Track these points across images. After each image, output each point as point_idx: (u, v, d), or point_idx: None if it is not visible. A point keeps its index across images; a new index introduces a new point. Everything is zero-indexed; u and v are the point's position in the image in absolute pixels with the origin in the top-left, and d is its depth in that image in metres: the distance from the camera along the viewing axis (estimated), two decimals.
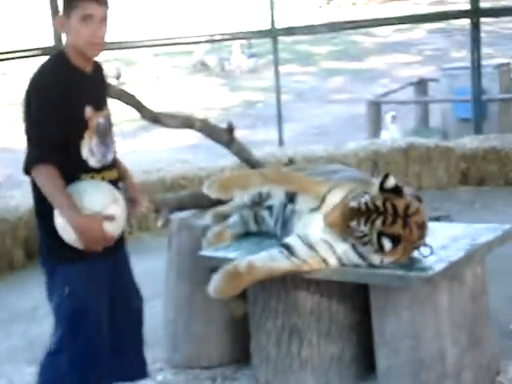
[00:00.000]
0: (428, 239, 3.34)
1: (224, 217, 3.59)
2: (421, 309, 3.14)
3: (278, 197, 3.27)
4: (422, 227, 2.97)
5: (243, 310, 3.61)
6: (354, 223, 2.94)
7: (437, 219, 5.45)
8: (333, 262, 3.12)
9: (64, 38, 2.92)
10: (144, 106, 3.96)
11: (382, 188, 2.92)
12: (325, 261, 3.12)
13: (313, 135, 10.46)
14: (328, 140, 9.32)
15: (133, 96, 3.94)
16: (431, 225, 3.76)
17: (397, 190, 2.93)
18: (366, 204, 2.93)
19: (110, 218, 2.80)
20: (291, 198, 3.23)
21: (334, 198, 3.10)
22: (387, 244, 2.90)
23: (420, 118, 10.37)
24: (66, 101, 2.77)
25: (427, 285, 3.03)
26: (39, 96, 2.78)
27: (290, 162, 4.88)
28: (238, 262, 3.16)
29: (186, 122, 4.05)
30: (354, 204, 2.95)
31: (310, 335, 3.39)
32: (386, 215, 2.90)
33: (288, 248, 3.15)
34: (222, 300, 3.35)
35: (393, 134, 9.02)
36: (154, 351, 4.02)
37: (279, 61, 7.88)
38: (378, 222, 2.90)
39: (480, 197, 6.88)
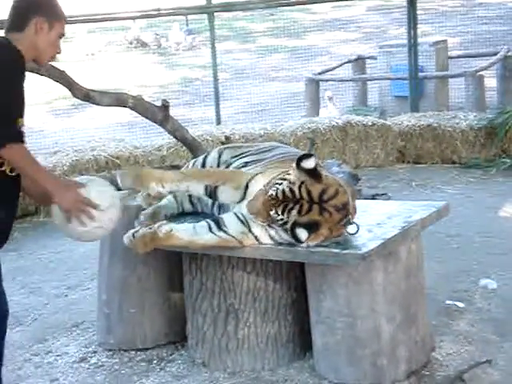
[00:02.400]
0: (362, 217, 3.35)
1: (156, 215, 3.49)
2: (356, 287, 3.13)
3: (198, 192, 3.19)
4: (343, 209, 2.94)
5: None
6: (272, 212, 2.91)
7: (374, 197, 5.51)
8: (266, 240, 3.08)
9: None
10: (75, 84, 3.84)
11: (298, 166, 2.88)
12: (257, 238, 3.08)
13: (252, 113, 10.38)
14: (267, 118, 9.28)
15: (63, 73, 3.82)
16: (366, 202, 3.79)
17: (314, 173, 2.89)
18: (282, 192, 2.89)
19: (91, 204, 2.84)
20: (211, 192, 3.16)
21: (258, 185, 3.06)
22: (302, 234, 2.88)
23: (358, 96, 10.39)
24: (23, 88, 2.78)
25: (362, 262, 3.02)
26: (6, 76, 2.72)
27: (227, 139, 4.82)
28: (160, 227, 3.14)
29: (119, 100, 3.94)
30: (272, 192, 2.92)
31: (246, 315, 3.37)
32: (301, 203, 2.88)
33: (218, 223, 3.11)
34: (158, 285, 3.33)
35: (331, 112, 9.03)
36: (88, 334, 3.97)
37: (218, 38, 7.78)
38: (294, 212, 2.88)
39: (416, 174, 6.96)
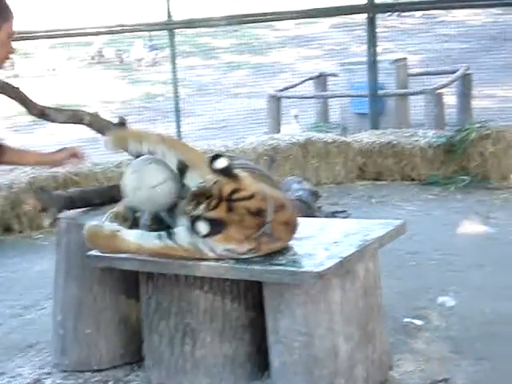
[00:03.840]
0: (320, 235, 3.35)
1: (123, 218, 3.44)
2: (313, 305, 3.12)
3: (170, 163, 3.17)
4: (257, 214, 2.92)
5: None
6: (188, 207, 2.91)
7: (333, 214, 5.52)
8: (210, 254, 3.06)
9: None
10: (30, 100, 3.78)
11: (211, 167, 2.90)
12: (202, 252, 3.05)
13: (213, 130, 10.39)
14: (229, 135, 9.28)
15: (17, 89, 3.76)
16: (324, 220, 3.79)
17: (229, 174, 2.89)
18: (198, 188, 2.92)
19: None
20: (182, 170, 3.14)
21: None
22: (201, 227, 2.86)
23: (320, 113, 10.45)
24: None
25: (319, 281, 3.01)
26: None
27: None
28: (108, 225, 3.16)
29: (75, 117, 3.90)
30: (192, 190, 2.94)
31: (203, 335, 3.33)
32: (211, 199, 2.88)
33: (169, 232, 3.09)
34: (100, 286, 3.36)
35: (294, 130, 9.06)
36: (43, 355, 3.90)
37: (181, 53, 7.78)
38: (202, 206, 2.88)
39: (377, 191, 6.99)
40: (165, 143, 3.17)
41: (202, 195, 2.90)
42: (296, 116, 9.51)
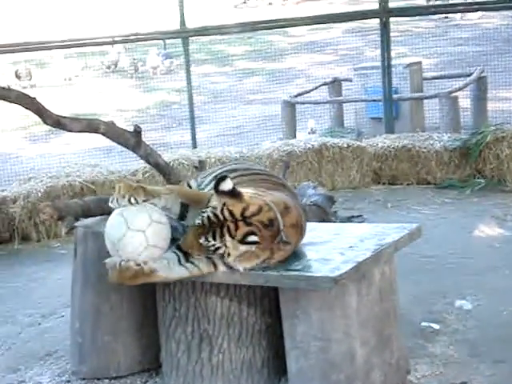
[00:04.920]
0: (335, 240, 3.36)
1: None
2: (330, 310, 3.12)
3: (173, 209, 3.17)
4: (270, 225, 2.92)
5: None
6: (202, 240, 2.90)
7: (349, 219, 5.51)
8: (221, 267, 3.06)
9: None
10: (46, 110, 3.82)
11: (217, 190, 2.89)
12: (214, 264, 3.06)
13: (229, 136, 10.41)
14: (244, 141, 9.30)
15: (33, 99, 3.79)
16: (339, 225, 3.79)
17: (234, 194, 2.89)
18: (208, 218, 2.89)
19: None
20: (182, 215, 3.15)
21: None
22: (252, 238, 2.87)
23: (335, 118, 10.44)
24: None
25: (335, 286, 3.01)
26: None
27: (200, 163, 4.81)
28: (142, 264, 3.05)
29: (90, 126, 3.93)
30: (197, 222, 2.91)
31: (220, 341, 3.34)
32: (227, 224, 2.87)
33: (185, 253, 3.08)
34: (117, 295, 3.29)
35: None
36: (62, 363, 3.93)
37: (195, 61, 7.82)
38: (227, 235, 2.87)
39: (392, 196, 6.98)
40: (171, 193, 3.15)
41: (214, 223, 2.89)
42: (313, 129, 9.53)
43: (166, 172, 4.26)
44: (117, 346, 3.64)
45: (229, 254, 2.93)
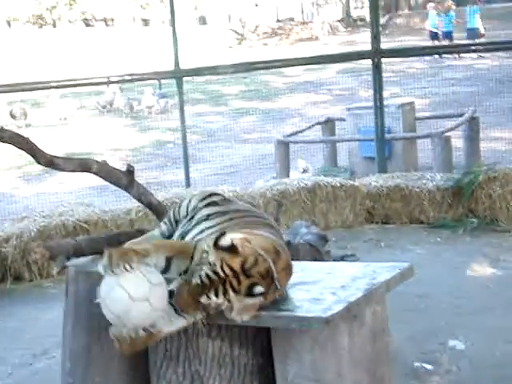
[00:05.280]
0: (327, 279, 3.35)
1: None
2: (321, 351, 3.10)
3: (159, 264, 3.15)
4: (267, 276, 2.90)
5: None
6: (204, 299, 2.87)
7: (342, 258, 5.52)
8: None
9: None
10: (39, 150, 3.83)
11: (216, 245, 2.86)
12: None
13: (223, 175, 10.46)
14: (237, 180, 9.34)
15: (26, 139, 3.81)
16: (332, 264, 3.79)
17: (231, 248, 2.86)
18: (207, 276, 2.86)
19: None
20: (166, 268, 3.09)
21: (198, 253, 3.02)
22: (257, 289, 2.85)
23: (328, 157, 10.51)
24: None
25: (326, 326, 3.00)
26: None
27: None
28: (150, 329, 2.98)
29: (83, 166, 3.94)
30: (196, 281, 2.87)
31: (212, 381, 3.31)
32: (229, 280, 2.85)
33: (172, 305, 3.05)
34: (109, 335, 3.20)
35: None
36: None
37: (190, 101, 7.88)
38: (230, 291, 2.85)
39: (385, 235, 6.99)
40: (159, 249, 3.07)
41: (215, 281, 2.86)
42: (305, 168, 9.57)
43: (159, 211, 4.26)
44: None
45: (231, 309, 2.92)
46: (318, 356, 3.11)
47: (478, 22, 22.34)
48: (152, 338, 3.03)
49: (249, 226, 3.24)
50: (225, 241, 2.85)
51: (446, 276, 5.60)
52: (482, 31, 22.12)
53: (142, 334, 2.98)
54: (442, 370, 3.92)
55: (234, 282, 2.85)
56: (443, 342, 4.26)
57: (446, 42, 21.60)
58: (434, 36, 23.12)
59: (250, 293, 2.86)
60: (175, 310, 3.04)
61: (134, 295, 2.86)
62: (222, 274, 2.84)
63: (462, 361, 4.02)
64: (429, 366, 3.96)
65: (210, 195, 3.55)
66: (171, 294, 3.07)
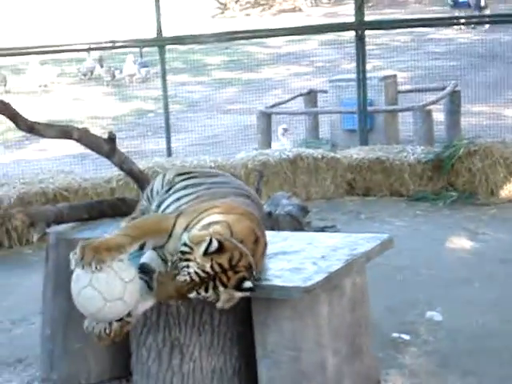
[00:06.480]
0: (308, 249, 3.38)
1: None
2: (301, 320, 3.13)
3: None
4: (250, 267, 2.95)
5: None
6: (193, 294, 2.90)
7: (323, 229, 5.54)
8: None
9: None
10: (19, 115, 3.79)
11: (206, 253, 2.87)
12: None
13: (204, 145, 10.41)
14: (219, 151, 9.31)
15: (7, 104, 3.77)
16: (312, 235, 3.81)
17: (220, 248, 2.88)
18: (196, 274, 2.88)
19: None
20: (141, 247, 3.08)
21: (179, 229, 3.05)
22: (247, 284, 2.90)
23: (310, 129, 10.49)
24: None
25: (306, 296, 3.03)
26: None
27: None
28: (126, 318, 3.01)
29: (64, 132, 3.90)
30: (185, 278, 2.88)
31: (191, 349, 3.34)
32: (219, 276, 2.88)
33: (146, 281, 3.06)
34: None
35: (284, 145, 9.09)
36: (32, 370, 3.90)
37: (172, 70, 7.83)
38: (220, 287, 2.89)
39: (366, 207, 7.02)
40: (134, 240, 3.01)
41: (204, 279, 2.88)
42: (286, 130, 9.52)
43: (139, 180, 4.25)
44: (87, 354, 3.62)
45: (217, 300, 2.94)
46: (297, 325, 3.14)
47: None
48: (128, 326, 3.04)
49: (226, 197, 3.25)
50: (213, 247, 2.86)
51: (425, 248, 5.65)
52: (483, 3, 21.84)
53: (119, 327, 2.99)
54: (419, 341, 3.96)
55: (224, 278, 2.91)
56: (421, 313, 4.31)
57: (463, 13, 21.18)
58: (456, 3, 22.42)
59: (238, 287, 2.91)
60: (148, 284, 3.05)
61: (107, 296, 2.85)
62: (211, 272, 2.89)
63: (439, 332, 4.07)
64: (406, 337, 4.00)
65: (188, 172, 3.57)
66: (144, 268, 3.08)
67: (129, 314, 3.00)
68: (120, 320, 2.98)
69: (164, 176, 3.58)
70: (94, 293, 2.85)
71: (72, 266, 2.91)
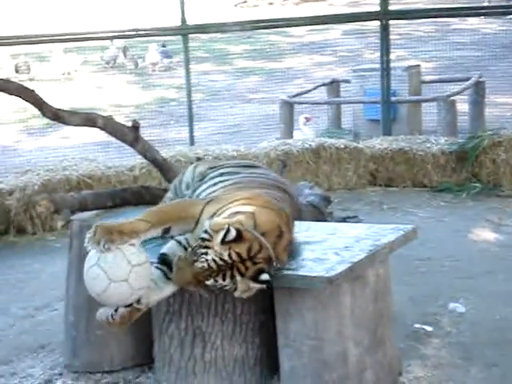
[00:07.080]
0: (331, 239, 3.37)
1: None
2: (324, 310, 3.13)
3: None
4: (269, 260, 2.95)
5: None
6: (210, 282, 2.90)
7: (345, 220, 5.52)
8: None
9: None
10: (44, 103, 3.82)
11: (224, 242, 2.87)
12: None
13: (226, 134, 10.41)
14: (241, 140, 9.30)
15: (32, 92, 3.80)
16: (335, 225, 3.80)
17: (238, 237, 2.89)
18: (214, 262, 2.89)
19: None
20: (165, 231, 3.12)
21: (206, 216, 3.06)
22: (264, 276, 2.90)
23: (333, 119, 10.45)
24: None
25: (329, 286, 3.02)
26: None
27: (198, 160, 4.82)
28: (136, 305, 3.03)
29: (89, 120, 3.93)
30: (203, 265, 2.89)
31: (213, 337, 3.35)
32: (237, 266, 2.89)
33: (169, 265, 3.06)
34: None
35: (306, 135, 9.07)
36: (54, 356, 3.93)
37: (195, 59, 7.83)
38: (237, 276, 2.89)
39: (388, 198, 6.99)
40: (153, 225, 3.05)
41: (222, 267, 2.89)
42: (308, 119, 9.48)
43: (163, 168, 4.27)
44: (110, 341, 3.64)
45: (235, 289, 2.95)
46: (319, 315, 3.13)
47: None
48: (138, 313, 3.04)
49: (262, 187, 3.25)
50: (230, 235, 2.86)
51: (448, 240, 5.62)
52: None
53: (128, 313, 3.00)
54: (441, 332, 3.94)
55: (242, 268, 2.91)
56: (444, 305, 4.29)
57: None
58: None
59: (256, 278, 2.91)
60: (165, 274, 3.06)
61: (112, 276, 2.86)
62: (229, 260, 2.89)
63: (461, 323, 4.05)
64: (429, 328, 3.98)
65: (221, 165, 3.58)
66: (163, 258, 3.10)
67: (139, 301, 3.00)
68: (130, 306, 2.99)
69: (195, 168, 3.57)
70: (100, 272, 2.87)
71: (85, 244, 2.94)
